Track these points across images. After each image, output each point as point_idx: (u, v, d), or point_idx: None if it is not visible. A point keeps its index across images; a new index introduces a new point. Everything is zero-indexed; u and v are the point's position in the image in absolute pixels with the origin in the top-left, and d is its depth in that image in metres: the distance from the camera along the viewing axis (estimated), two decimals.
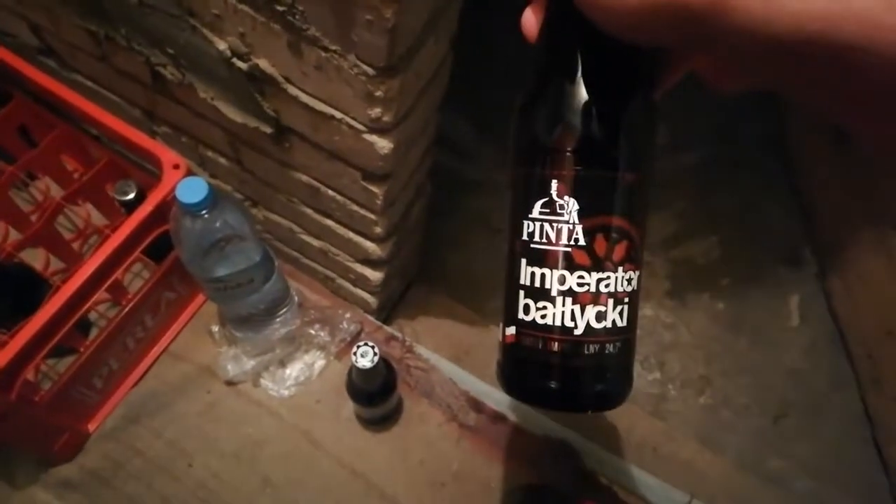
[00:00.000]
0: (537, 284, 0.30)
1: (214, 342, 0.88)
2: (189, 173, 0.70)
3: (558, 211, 0.29)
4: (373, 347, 0.66)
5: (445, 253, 1.13)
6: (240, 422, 0.85)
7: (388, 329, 0.93)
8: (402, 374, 0.88)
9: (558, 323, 0.30)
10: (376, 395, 0.75)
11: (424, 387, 0.88)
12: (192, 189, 0.61)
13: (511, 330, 0.32)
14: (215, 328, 0.88)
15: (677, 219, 1.26)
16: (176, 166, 0.71)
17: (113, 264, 0.69)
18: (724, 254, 1.22)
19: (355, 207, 0.70)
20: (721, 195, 1.30)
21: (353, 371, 0.70)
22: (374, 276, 0.84)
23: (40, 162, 0.83)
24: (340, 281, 0.90)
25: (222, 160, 0.78)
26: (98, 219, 0.94)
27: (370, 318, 0.93)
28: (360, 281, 0.87)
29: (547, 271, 0.30)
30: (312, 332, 0.86)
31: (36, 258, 0.88)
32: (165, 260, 0.78)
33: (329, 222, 0.76)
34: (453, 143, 1.26)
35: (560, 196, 0.29)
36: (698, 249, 1.22)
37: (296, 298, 0.88)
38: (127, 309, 0.76)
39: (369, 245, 0.76)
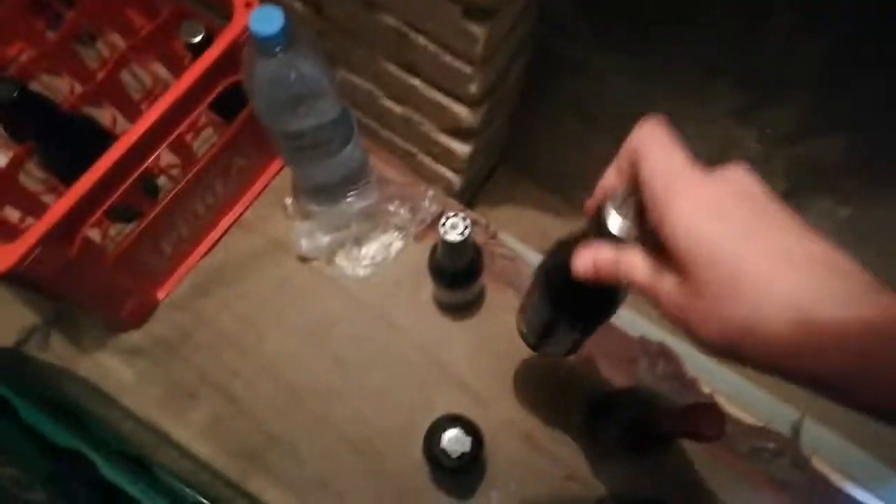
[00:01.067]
0: None
1: (287, 216, 0.82)
2: None
3: None
4: (464, 219, 0.58)
5: (533, 139, 1.02)
6: (312, 299, 0.80)
7: (472, 213, 0.85)
8: (486, 261, 0.80)
9: None
10: (462, 276, 0.68)
11: (510, 275, 0.80)
12: (267, 18, 0.52)
13: None
14: (289, 201, 0.82)
15: (801, 113, 1.09)
16: (248, 4, 0.63)
17: (178, 112, 0.62)
18: (853, 155, 1.06)
19: (448, 58, 0.60)
20: (854, 90, 1.12)
21: (439, 246, 0.62)
22: (461, 149, 0.74)
23: (104, 12, 0.76)
24: (422, 157, 0.82)
25: (298, 5, 0.69)
26: (167, 77, 0.87)
27: (452, 200, 0.85)
28: (445, 156, 0.78)
29: None
30: (391, 209, 0.78)
31: (103, 118, 0.83)
32: (236, 119, 0.71)
33: (416, 81, 0.67)
34: (550, 16, 1.12)
35: None
36: (824, 148, 1.06)
37: (374, 173, 0.80)
38: (196, 169, 0.70)
39: (460, 110, 0.67)
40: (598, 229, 0.34)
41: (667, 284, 0.31)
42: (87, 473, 0.44)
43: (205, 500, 0.55)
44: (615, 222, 0.34)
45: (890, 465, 0.78)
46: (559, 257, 0.43)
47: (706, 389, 0.77)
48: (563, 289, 0.45)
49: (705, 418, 0.51)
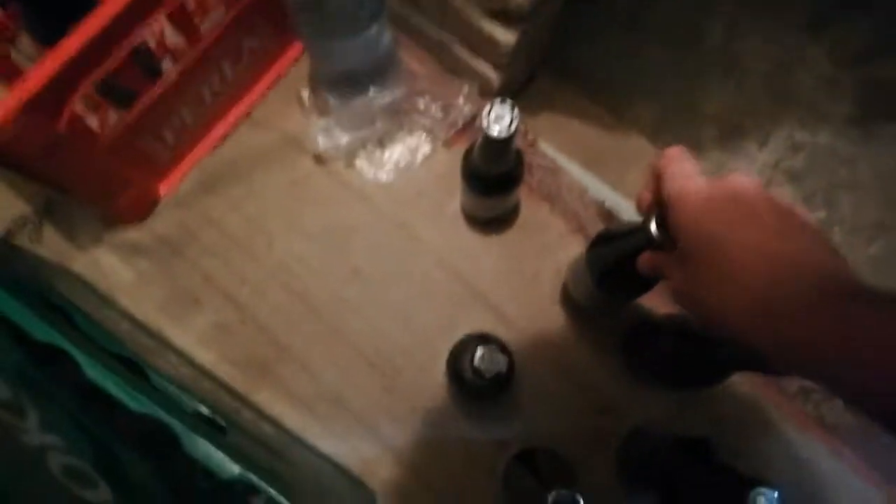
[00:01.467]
0: None
1: (304, 111, 0.74)
2: None
3: None
4: (512, 108, 0.49)
5: (578, 45, 0.92)
6: (329, 204, 0.73)
7: None
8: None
9: None
10: (500, 182, 0.60)
11: (549, 189, 0.73)
12: None
13: None
14: (306, 94, 0.74)
15: (871, 32, 0.98)
16: None
17: None
18: None
19: None
20: None
21: (479, 142, 0.54)
22: (505, 38, 0.65)
23: None
24: (459, 49, 0.72)
25: None
26: None
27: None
28: (485, 47, 0.69)
29: None
30: (421, 106, 0.70)
31: None
32: None
33: None
34: None
35: None
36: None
37: (403, 65, 0.71)
38: (202, 46, 0.62)
39: None
40: (644, 234, 0.41)
41: (677, 275, 0.38)
42: (67, 374, 0.39)
43: (205, 408, 0.49)
44: (653, 229, 0.41)
45: None
46: (611, 248, 0.52)
47: None
48: (615, 274, 0.53)
49: None
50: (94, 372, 0.39)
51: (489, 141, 0.50)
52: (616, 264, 0.52)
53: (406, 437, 0.66)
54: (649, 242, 0.41)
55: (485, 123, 0.49)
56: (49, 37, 0.61)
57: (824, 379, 0.30)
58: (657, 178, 0.40)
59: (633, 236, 0.46)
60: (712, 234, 0.34)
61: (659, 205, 0.40)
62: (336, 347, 0.69)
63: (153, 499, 0.39)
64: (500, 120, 0.49)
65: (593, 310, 0.67)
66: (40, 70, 0.49)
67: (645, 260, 0.42)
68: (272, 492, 0.40)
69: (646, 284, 0.52)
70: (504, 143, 0.51)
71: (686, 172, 0.38)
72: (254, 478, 0.39)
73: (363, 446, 0.66)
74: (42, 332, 0.40)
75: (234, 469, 0.39)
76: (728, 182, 0.36)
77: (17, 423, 0.37)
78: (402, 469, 0.65)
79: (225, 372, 0.67)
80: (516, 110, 0.49)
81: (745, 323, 0.33)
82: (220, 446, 0.40)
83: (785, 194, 0.88)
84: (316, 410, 0.67)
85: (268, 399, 0.67)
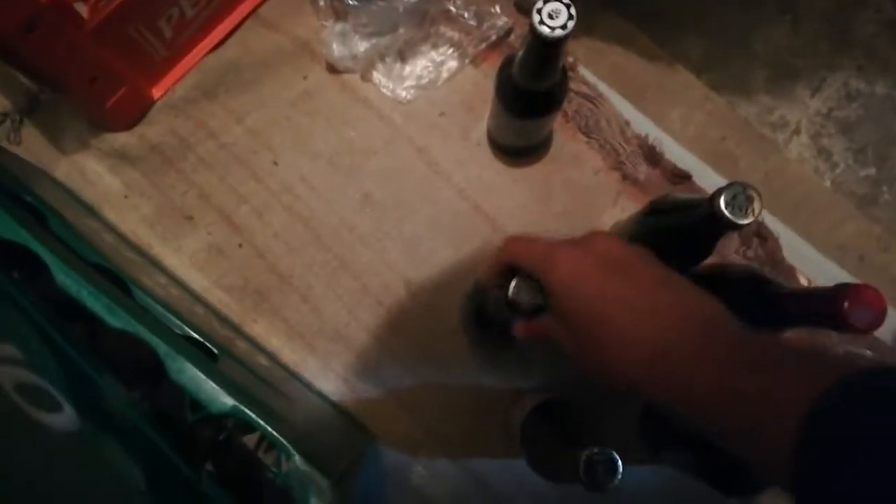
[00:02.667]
0: None
1: (318, 11, 0.65)
2: None
3: None
4: (568, 6, 0.42)
5: None
6: (342, 121, 0.65)
7: None
8: None
9: None
10: (540, 101, 0.53)
11: (586, 119, 0.65)
12: None
13: None
14: None
15: None
16: None
17: None
18: None
19: None
20: None
21: (525, 47, 0.46)
22: None
23: None
24: None
25: None
26: None
27: (525, 19, 0.68)
28: None
29: None
30: (452, 9, 0.62)
31: None
32: None
33: None
34: None
35: None
36: None
37: None
38: None
39: None
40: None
41: (565, 337, 0.37)
42: (34, 278, 0.32)
43: (195, 334, 0.43)
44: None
45: None
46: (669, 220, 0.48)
47: (803, 281, 0.64)
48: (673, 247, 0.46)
49: (868, 300, 0.38)
50: (66, 279, 0.33)
51: (539, 41, 0.43)
52: (672, 238, 0.47)
53: (411, 382, 0.61)
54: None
55: (536, 19, 0.42)
56: None
57: (710, 432, 0.30)
58: (510, 263, 0.40)
59: (695, 210, 0.42)
60: (589, 292, 0.34)
61: (515, 274, 0.39)
62: (341, 280, 0.62)
63: (129, 432, 0.33)
64: (557, 14, 0.41)
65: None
66: None
67: (523, 329, 0.41)
68: (268, 429, 0.34)
69: (702, 254, 0.49)
70: (555, 47, 0.44)
71: (542, 243, 0.38)
72: (249, 412, 0.33)
73: (365, 388, 0.60)
74: (7, 228, 0.33)
75: (227, 401, 0.33)
76: (593, 243, 0.36)
77: None
78: (406, 415, 0.60)
79: (218, 298, 0.61)
80: (573, 8, 0.42)
81: (634, 377, 0.32)
82: (210, 374, 0.34)
83: (836, 146, 0.81)
84: (315, 346, 0.61)
85: (264, 331, 0.61)
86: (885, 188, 0.82)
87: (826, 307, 0.39)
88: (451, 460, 0.59)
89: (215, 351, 0.43)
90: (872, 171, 0.81)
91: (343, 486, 0.40)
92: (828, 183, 0.79)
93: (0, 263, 0.33)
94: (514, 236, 0.41)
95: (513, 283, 0.39)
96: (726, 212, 0.39)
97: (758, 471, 0.29)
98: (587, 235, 0.38)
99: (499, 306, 0.45)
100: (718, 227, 0.40)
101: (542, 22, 0.41)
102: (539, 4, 0.42)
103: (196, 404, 0.34)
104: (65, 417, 0.31)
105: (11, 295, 0.32)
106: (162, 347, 0.33)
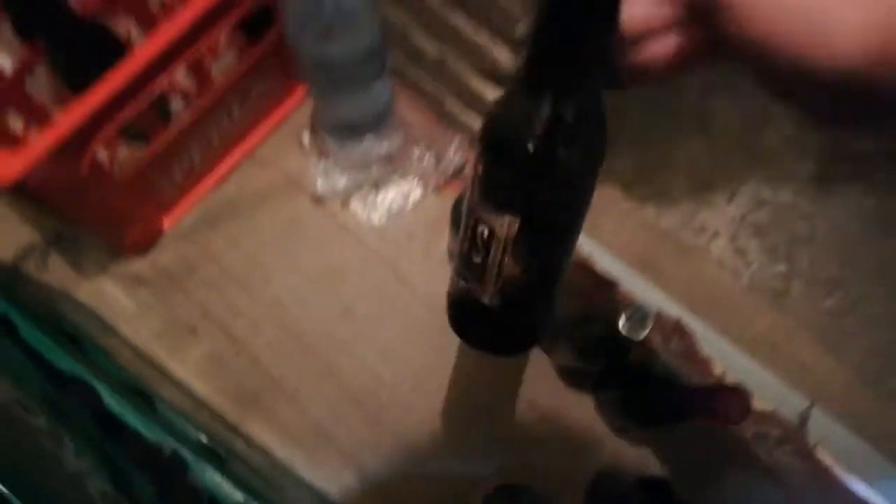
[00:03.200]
0: None
1: (304, 152, 0.78)
2: None
3: None
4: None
5: None
6: (324, 244, 0.77)
7: None
8: None
9: None
10: None
11: None
12: None
13: None
14: (306, 137, 0.78)
15: None
16: None
17: (201, 28, 0.58)
18: (884, 145, 1.03)
19: None
20: None
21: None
22: (494, 96, 0.71)
23: None
24: (452, 102, 0.77)
25: None
26: None
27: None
28: (476, 103, 0.74)
29: None
30: (416, 153, 0.75)
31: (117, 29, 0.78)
32: (262, 41, 0.67)
33: (459, 18, 0.63)
34: None
35: None
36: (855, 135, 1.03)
37: (399, 113, 0.76)
38: (215, 94, 0.66)
39: (500, 52, 0.63)
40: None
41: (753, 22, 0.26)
42: (89, 402, 0.42)
43: (204, 438, 0.52)
44: None
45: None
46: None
47: (718, 370, 0.75)
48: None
49: (733, 400, 0.49)
50: (112, 401, 0.43)
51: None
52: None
53: (389, 472, 0.69)
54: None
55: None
56: (74, 78, 0.65)
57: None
58: None
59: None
60: None
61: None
62: (325, 383, 0.72)
63: None
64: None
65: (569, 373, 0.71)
66: (69, 116, 0.53)
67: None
68: None
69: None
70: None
71: None
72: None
73: (349, 480, 0.69)
74: (65, 362, 0.43)
75: (238, 496, 0.43)
76: None
77: (57, 451, 0.40)
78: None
79: (218, 403, 0.70)
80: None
81: (862, 55, 0.23)
82: (224, 474, 0.44)
83: (750, 246, 0.95)
84: (303, 443, 0.70)
85: (257, 430, 0.70)
86: (794, 282, 0.95)
87: (706, 404, 0.50)
88: None
89: (222, 453, 0.52)
90: (783, 267, 0.95)
91: None
92: (745, 280, 0.92)
93: (63, 391, 0.43)
94: None
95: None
96: (623, 330, 0.50)
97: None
98: None
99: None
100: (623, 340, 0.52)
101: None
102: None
103: (213, 500, 0.43)
104: None
105: (76, 419, 0.41)
106: (187, 454, 0.43)
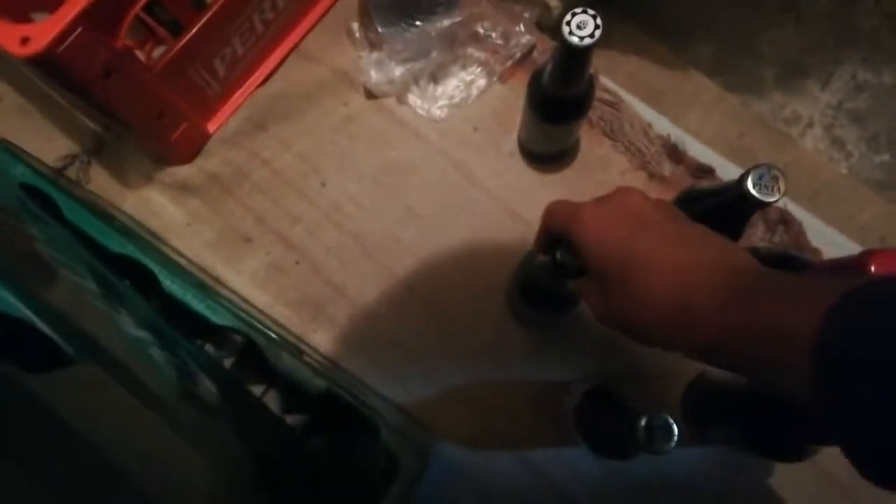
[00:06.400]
0: None
1: (354, 43, 0.71)
2: None
3: None
4: (594, 17, 0.46)
5: None
6: (382, 142, 0.70)
7: None
8: None
9: None
10: (569, 107, 0.57)
11: (611, 124, 0.70)
12: None
13: None
14: (356, 26, 0.71)
15: None
16: None
17: None
18: None
19: None
20: None
21: (556, 56, 0.51)
22: None
23: None
24: None
25: None
26: None
27: (546, 37, 0.73)
28: None
29: None
30: (480, 30, 0.67)
31: None
32: None
33: None
34: None
35: None
36: None
37: None
38: None
39: None
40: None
41: (594, 299, 0.38)
42: (147, 284, 0.37)
43: (274, 335, 0.47)
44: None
45: None
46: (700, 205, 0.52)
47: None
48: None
49: (886, 262, 0.42)
50: (172, 285, 0.38)
51: (569, 50, 0.47)
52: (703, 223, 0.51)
53: (463, 380, 0.64)
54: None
55: (566, 30, 0.46)
56: None
57: (743, 373, 0.32)
58: (544, 223, 0.42)
59: (724, 194, 0.46)
60: (613, 250, 0.35)
61: (558, 241, 0.41)
62: (391, 288, 0.67)
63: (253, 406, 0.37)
64: (584, 25, 0.46)
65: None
66: None
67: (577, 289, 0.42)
68: (362, 407, 0.38)
69: (732, 238, 0.51)
70: (583, 55, 0.48)
71: (571, 204, 0.39)
72: (342, 392, 0.37)
73: (422, 389, 0.64)
74: (117, 243, 0.38)
75: (321, 384, 0.38)
76: (619, 200, 0.37)
77: (115, 315, 0.35)
78: (463, 414, 0.63)
79: (280, 313, 0.66)
80: (599, 19, 0.46)
81: (663, 333, 0.33)
82: (302, 363, 0.38)
83: (849, 136, 0.85)
84: (372, 352, 0.65)
85: (323, 340, 0.65)
86: None
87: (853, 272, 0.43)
88: (506, 452, 0.62)
89: (299, 346, 0.47)
90: (886, 157, 0.85)
91: (417, 484, 0.43)
92: (844, 171, 0.83)
93: (118, 275, 0.38)
94: (552, 201, 0.42)
95: (559, 251, 0.42)
96: (754, 191, 0.42)
97: (799, 402, 0.28)
98: (614, 192, 0.38)
99: (546, 274, 0.48)
100: (748, 207, 0.44)
101: (571, 33, 0.46)
102: (568, 17, 0.46)
103: (294, 386, 0.38)
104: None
105: (133, 300, 0.36)
106: (261, 340, 0.38)
